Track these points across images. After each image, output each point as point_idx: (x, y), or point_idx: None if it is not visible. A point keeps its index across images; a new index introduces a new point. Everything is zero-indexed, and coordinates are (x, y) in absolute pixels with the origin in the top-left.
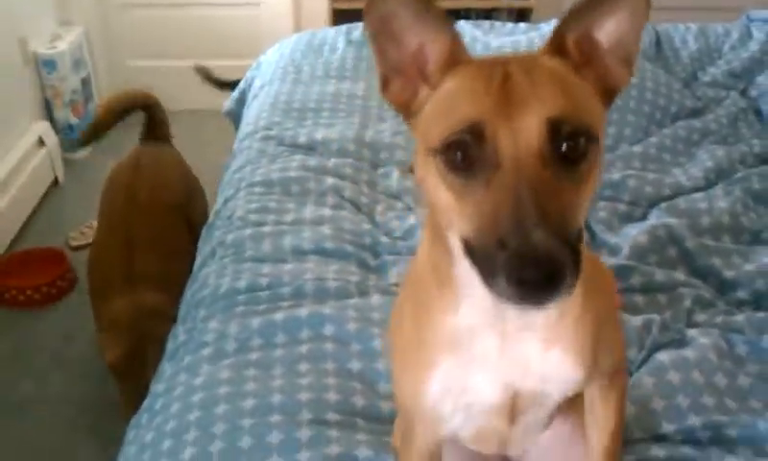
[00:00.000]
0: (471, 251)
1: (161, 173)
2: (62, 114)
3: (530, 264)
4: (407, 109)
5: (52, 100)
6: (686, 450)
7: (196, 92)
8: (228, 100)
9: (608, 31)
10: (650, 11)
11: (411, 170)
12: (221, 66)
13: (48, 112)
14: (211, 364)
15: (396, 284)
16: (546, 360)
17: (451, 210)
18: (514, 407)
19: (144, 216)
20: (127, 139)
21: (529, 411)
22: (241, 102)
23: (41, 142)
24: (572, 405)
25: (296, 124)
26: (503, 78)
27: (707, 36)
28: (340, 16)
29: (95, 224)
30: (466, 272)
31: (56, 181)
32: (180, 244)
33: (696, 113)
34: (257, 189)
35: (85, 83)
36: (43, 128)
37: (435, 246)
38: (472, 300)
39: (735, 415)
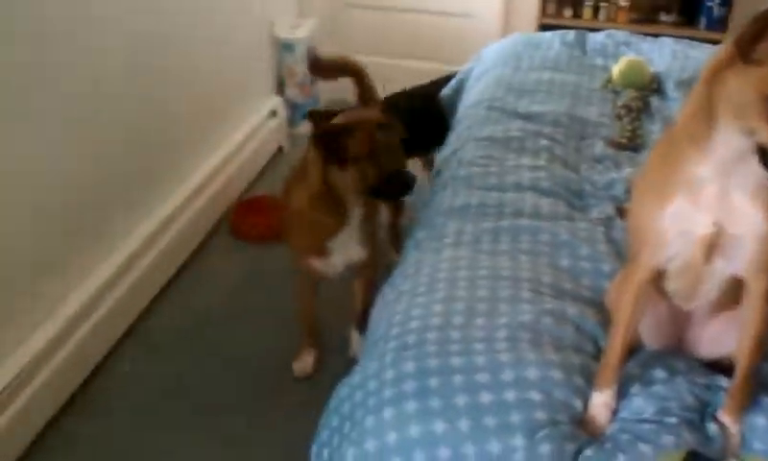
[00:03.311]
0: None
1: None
2: (293, 93)
3: None
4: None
5: (286, 79)
6: None
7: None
8: (446, 88)
9: None
10: None
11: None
12: (431, 69)
13: (281, 90)
14: (452, 250)
15: (599, 218)
16: (746, 210)
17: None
18: (714, 245)
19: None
20: None
21: (721, 254)
22: (457, 90)
23: (273, 114)
24: (732, 305)
25: (515, 99)
26: None
27: None
28: (546, 30)
29: None
30: (724, 146)
31: (280, 149)
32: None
33: None
34: (483, 143)
35: None
36: (276, 102)
37: (699, 122)
38: (715, 162)
39: None
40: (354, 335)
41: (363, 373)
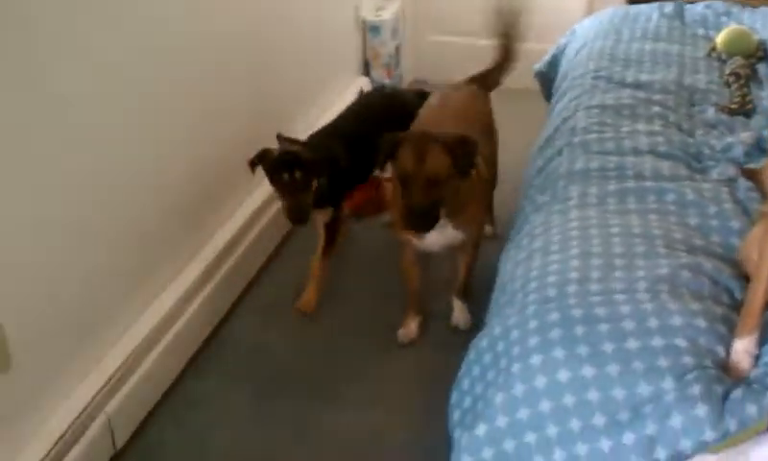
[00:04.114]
0: None
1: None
2: (377, 74)
3: None
4: None
5: (371, 61)
6: None
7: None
8: (538, 63)
9: None
10: None
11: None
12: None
13: (366, 71)
14: (579, 211)
15: (720, 180)
16: None
17: None
18: None
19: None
20: None
21: None
22: (552, 64)
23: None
24: None
25: (622, 69)
26: None
27: None
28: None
29: None
30: None
31: None
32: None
33: None
34: (594, 111)
35: (398, 50)
36: (363, 82)
37: None
38: None
39: None
40: (457, 304)
41: (503, 325)
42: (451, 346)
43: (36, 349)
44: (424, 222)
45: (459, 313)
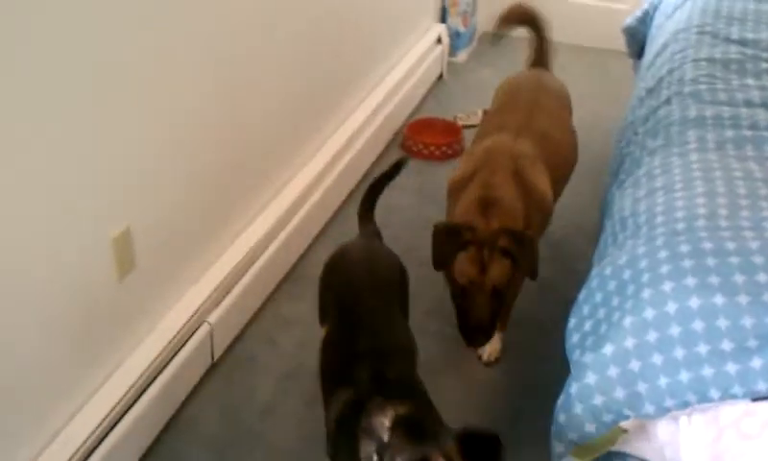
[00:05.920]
0: None
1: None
2: (454, 22)
3: None
4: None
5: (448, 8)
6: None
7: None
8: (629, 17)
9: None
10: None
11: None
12: (603, 7)
13: (443, 17)
14: (699, 154)
15: None
16: None
17: None
18: None
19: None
20: (501, 57)
21: None
22: (643, 20)
23: (439, 41)
24: None
25: (726, 26)
26: None
27: None
28: None
29: (478, 111)
30: None
31: (440, 77)
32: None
33: None
34: (702, 63)
35: None
36: (441, 29)
37: None
38: None
39: None
40: None
41: (630, 254)
42: None
43: (155, 254)
44: (484, 336)
45: None
